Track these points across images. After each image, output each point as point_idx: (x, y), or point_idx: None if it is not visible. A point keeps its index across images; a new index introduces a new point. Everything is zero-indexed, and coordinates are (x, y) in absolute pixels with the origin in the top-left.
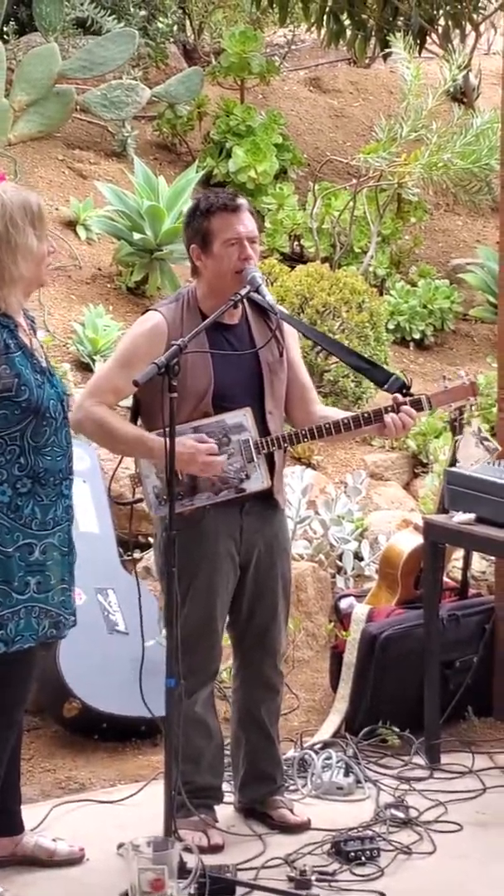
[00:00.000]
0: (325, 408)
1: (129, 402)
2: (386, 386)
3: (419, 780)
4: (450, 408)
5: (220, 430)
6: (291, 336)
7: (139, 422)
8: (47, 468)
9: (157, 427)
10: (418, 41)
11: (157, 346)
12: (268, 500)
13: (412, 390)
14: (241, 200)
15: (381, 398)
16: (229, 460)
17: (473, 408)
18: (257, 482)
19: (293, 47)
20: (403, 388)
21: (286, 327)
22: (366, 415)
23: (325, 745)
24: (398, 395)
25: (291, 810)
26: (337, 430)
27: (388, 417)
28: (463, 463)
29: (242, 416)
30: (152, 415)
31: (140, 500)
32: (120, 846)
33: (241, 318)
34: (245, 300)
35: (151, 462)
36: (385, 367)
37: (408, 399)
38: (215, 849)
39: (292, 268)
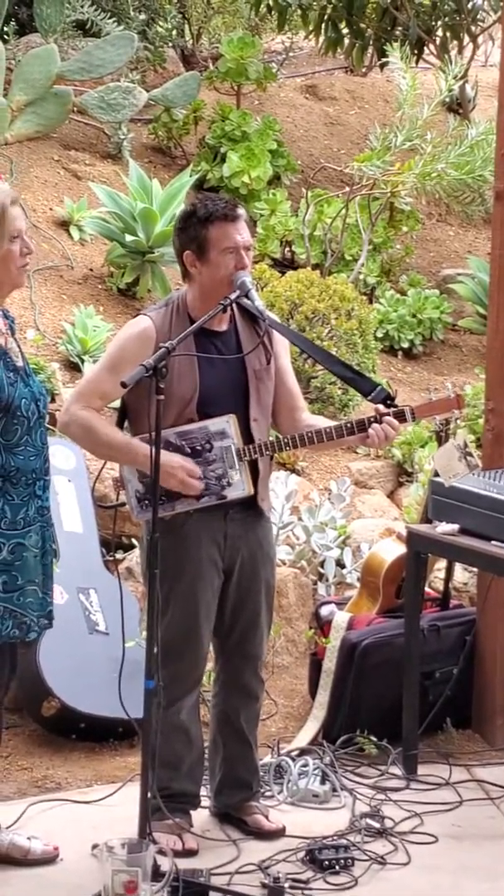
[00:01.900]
0: (312, 416)
1: (116, 404)
2: (371, 396)
3: (395, 790)
4: (434, 420)
5: (203, 436)
6: (281, 344)
7: (126, 425)
8: (19, 467)
9: (144, 431)
10: (416, 51)
11: (145, 350)
12: (252, 508)
13: (398, 400)
14: (241, 210)
15: (366, 406)
16: (211, 467)
17: (459, 420)
18: (239, 489)
19: (291, 54)
20: (388, 399)
21: (276, 335)
22: (348, 425)
23: (302, 752)
24: (381, 406)
25: (267, 816)
26: (319, 439)
27: (371, 428)
28: (444, 476)
29: (226, 423)
30: (139, 419)
31: (123, 504)
32: (94, 847)
33: (229, 325)
34: (235, 307)
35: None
36: (371, 377)
37: (391, 410)
38: (189, 853)
39: (283, 274)
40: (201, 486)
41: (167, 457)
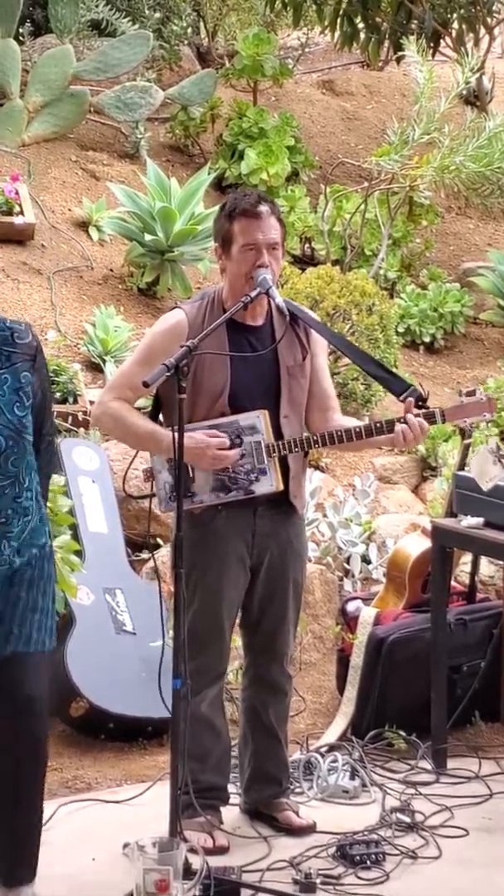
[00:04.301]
0: (344, 417)
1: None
2: (402, 397)
3: (425, 784)
4: (464, 422)
5: (233, 430)
6: (319, 343)
7: (160, 417)
8: None
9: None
10: (432, 44)
11: (177, 343)
12: (283, 505)
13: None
14: (263, 207)
15: (390, 402)
16: (240, 461)
17: (488, 423)
18: (267, 485)
19: (306, 50)
20: (420, 401)
21: (314, 333)
22: (378, 424)
23: (331, 748)
24: (411, 405)
25: (297, 813)
26: (349, 437)
27: (398, 427)
28: (479, 479)
29: (256, 418)
30: (172, 411)
31: (154, 495)
32: (125, 846)
33: (265, 321)
34: (273, 303)
35: (164, 458)
36: (402, 377)
37: (421, 412)
38: (220, 850)
39: (303, 270)
40: (235, 454)
41: (191, 437)
